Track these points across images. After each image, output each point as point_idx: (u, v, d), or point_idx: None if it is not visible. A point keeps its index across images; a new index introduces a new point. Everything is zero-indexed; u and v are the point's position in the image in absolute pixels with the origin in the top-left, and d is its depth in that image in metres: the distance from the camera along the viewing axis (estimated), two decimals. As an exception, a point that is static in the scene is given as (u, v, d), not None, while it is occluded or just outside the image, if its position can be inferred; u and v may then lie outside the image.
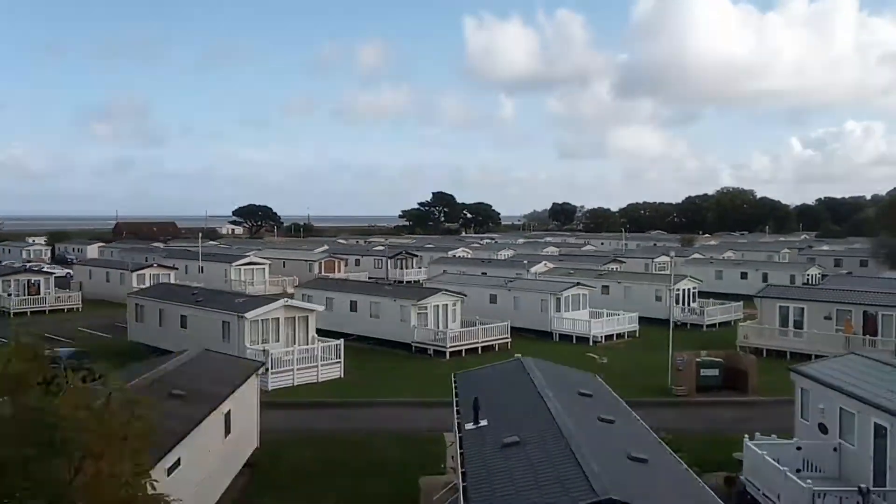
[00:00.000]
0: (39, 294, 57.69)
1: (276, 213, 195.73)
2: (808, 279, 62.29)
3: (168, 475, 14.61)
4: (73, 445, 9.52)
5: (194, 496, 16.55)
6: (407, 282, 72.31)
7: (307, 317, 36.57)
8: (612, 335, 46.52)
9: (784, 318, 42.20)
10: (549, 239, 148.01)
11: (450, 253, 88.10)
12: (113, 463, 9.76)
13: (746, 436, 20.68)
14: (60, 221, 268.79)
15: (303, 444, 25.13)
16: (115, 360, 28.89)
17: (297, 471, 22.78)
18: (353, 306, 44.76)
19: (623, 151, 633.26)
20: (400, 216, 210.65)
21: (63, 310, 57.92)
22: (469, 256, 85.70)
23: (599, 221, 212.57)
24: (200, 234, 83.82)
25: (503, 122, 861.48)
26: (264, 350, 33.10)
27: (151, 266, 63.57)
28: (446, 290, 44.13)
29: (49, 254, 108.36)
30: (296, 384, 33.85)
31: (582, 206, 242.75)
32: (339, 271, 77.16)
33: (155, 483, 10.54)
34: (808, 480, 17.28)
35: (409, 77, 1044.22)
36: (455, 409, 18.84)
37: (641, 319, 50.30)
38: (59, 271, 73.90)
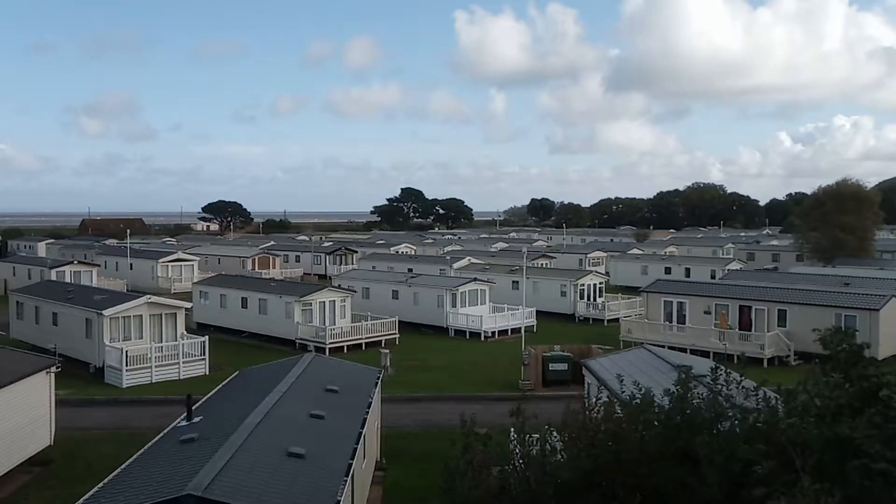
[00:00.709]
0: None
1: (245, 209, 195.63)
2: (723, 273, 62.55)
3: None
4: None
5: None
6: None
7: (175, 314, 36.55)
8: (507, 330, 46.63)
9: (669, 314, 42.59)
10: (513, 235, 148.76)
11: (392, 249, 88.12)
12: None
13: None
14: (39, 218, 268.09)
15: (105, 442, 25.10)
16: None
17: (90, 467, 22.80)
18: (244, 303, 44.69)
19: (613, 146, 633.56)
20: (371, 212, 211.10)
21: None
22: (412, 253, 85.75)
23: (570, 217, 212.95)
24: (129, 232, 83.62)
25: (494, 116, 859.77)
26: (121, 349, 33.16)
27: (72, 263, 63.40)
28: (332, 287, 44.22)
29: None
30: (154, 381, 33.85)
31: (561, 202, 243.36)
32: (274, 268, 77.24)
33: None
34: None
35: (400, 72, 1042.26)
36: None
37: (548, 314, 50.66)
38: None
